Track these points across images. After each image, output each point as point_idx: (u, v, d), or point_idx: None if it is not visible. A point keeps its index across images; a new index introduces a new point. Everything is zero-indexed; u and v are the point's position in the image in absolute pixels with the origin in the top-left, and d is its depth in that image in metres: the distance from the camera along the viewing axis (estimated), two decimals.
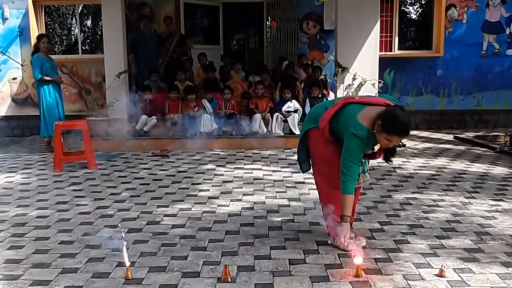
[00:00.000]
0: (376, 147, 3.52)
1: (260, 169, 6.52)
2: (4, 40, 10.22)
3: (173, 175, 6.20)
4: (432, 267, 3.25)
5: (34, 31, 10.07)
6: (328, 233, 3.73)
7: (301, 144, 3.79)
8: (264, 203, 4.89)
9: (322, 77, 9.54)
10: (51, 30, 10.99)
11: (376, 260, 3.39)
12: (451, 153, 7.74)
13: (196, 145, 7.99)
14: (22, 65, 10.24)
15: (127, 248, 3.29)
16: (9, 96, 10.38)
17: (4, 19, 10.15)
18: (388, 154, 3.52)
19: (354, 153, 3.33)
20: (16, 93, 10.38)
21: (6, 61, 10.27)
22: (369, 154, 3.54)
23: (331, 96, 9.11)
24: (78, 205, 4.87)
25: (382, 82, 9.11)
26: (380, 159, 3.63)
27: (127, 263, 3.17)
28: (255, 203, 4.88)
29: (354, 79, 8.46)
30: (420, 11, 11.69)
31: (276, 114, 8.41)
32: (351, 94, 8.39)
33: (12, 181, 5.99)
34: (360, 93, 8.37)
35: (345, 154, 3.34)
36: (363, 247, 3.44)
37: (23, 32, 10.17)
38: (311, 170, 3.84)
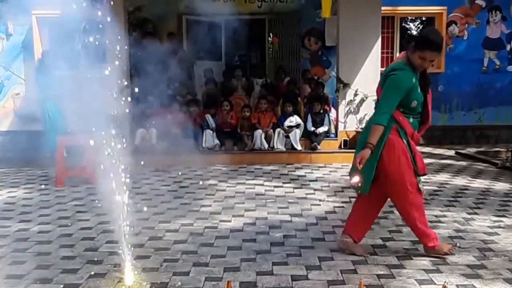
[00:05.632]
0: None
1: (262, 185, 6.52)
2: (8, 56, 10.29)
3: (175, 190, 6.20)
4: (435, 284, 3.24)
5: (38, 47, 10.15)
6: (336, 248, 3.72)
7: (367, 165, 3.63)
8: (266, 218, 4.88)
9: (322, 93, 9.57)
10: None
11: (379, 276, 3.38)
12: (453, 168, 7.73)
13: (198, 160, 7.98)
14: (25, 81, 10.28)
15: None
16: (12, 111, 10.42)
17: (8, 35, 10.23)
18: (424, 80, 3.66)
19: (391, 92, 3.55)
20: (19, 108, 10.41)
21: (10, 77, 10.32)
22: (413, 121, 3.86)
23: (333, 112, 9.13)
24: (80, 220, 4.87)
25: None
26: None
27: (129, 280, 3.16)
28: (257, 218, 4.87)
29: (355, 95, 8.49)
30: (420, 27, 11.77)
31: (278, 129, 8.42)
32: (352, 110, 8.43)
33: (14, 196, 5.99)
34: (362, 109, 8.40)
35: (384, 91, 3.57)
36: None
37: (26, 48, 10.25)
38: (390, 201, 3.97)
